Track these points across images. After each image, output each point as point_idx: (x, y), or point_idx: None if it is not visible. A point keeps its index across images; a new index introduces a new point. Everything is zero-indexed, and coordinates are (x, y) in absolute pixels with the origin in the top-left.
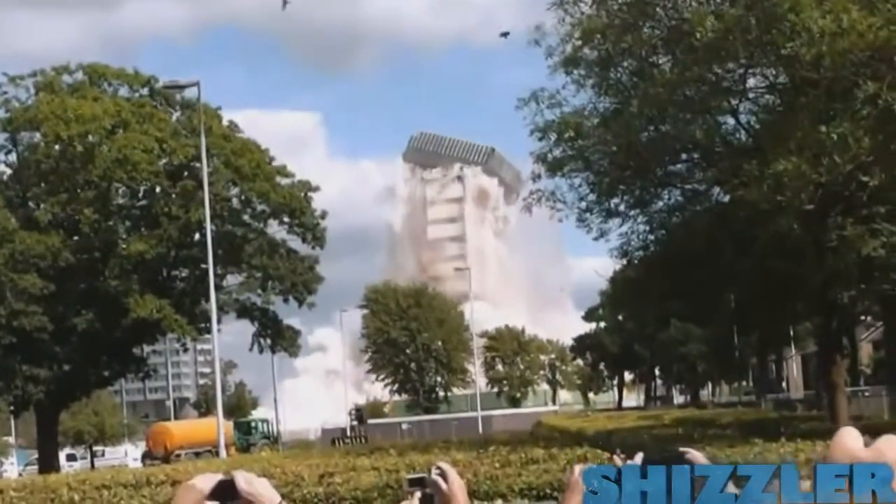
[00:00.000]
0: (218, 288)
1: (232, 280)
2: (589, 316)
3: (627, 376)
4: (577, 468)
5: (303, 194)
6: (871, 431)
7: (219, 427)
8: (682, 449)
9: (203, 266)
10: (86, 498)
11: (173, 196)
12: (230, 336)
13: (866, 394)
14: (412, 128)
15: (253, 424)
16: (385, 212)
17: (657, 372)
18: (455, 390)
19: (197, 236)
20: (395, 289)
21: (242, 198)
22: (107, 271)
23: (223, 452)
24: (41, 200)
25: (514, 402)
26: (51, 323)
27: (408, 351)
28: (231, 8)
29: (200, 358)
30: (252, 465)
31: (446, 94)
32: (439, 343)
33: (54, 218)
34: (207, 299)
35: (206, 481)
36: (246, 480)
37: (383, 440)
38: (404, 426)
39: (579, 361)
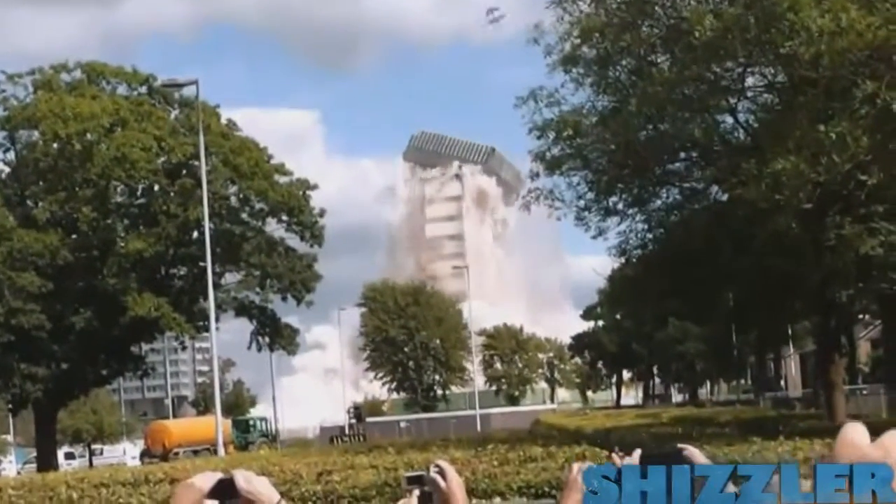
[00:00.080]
0: (216, 286)
1: (230, 278)
2: (587, 314)
3: (626, 375)
4: (576, 466)
5: (301, 192)
6: (870, 430)
7: (217, 425)
8: (679, 445)
9: (201, 264)
10: (84, 496)
11: (172, 194)
12: (228, 334)
13: (864, 392)
14: (411, 126)
15: (251, 423)
16: (385, 211)
17: (655, 370)
18: (453, 388)
19: (195, 234)
20: (393, 287)
21: (241, 196)
22: (105, 269)
23: (221, 451)
24: (39, 199)
25: (513, 401)
26: (49, 321)
27: (406, 349)
28: (230, 5)
29: (199, 356)
30: (250, 463)
31: (445, 93)
32: (438, 341)
33: (52, 216)
34: (206, 297)
35: (205, 480)
36: (245, 479)
37: (382, 438)
38: (403, 424)
39: (577, 360)
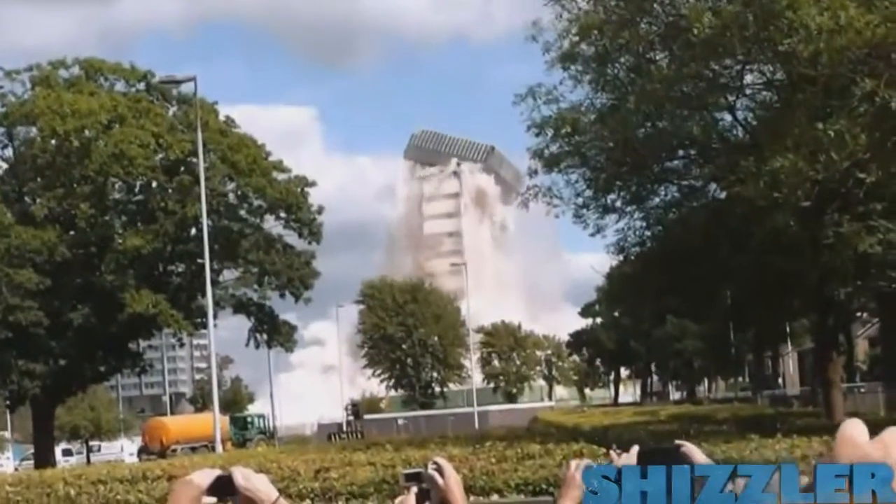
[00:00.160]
0: (214, 283)
1: (228, 275)
2: (585, 312)
3: (624, 372)
4: (573, 464)
5: (299, 189)
6: (868, 427)
7: (215, 422)
8: (677, 442)
9: (199, 261)
10: (82, 493)
11: (170, 191)
12: (226, 331)
13: (862, 390)
14: (410, 124)
15: (249, 420)
16: (384, 209)
17: (653, 368)
18: (451, 386)
19: (193, 231)
20: (391, 284)
21: (239, 193)
22: (103, 266)
23: (219, 447)
24: (37, 195)
25: (511, 398)
26: (47, 318)
27: (404, 346)
28: (228, 2)
29: (196, 353)
30: (248, 460)
31: (444, 90)
32: (435, 338)
33: (50, 213)
34: (203, 294)
35: (203, 477)
36: (243, 476)
37: (379, 435)
38: (400, 421)
39: (575, 357)
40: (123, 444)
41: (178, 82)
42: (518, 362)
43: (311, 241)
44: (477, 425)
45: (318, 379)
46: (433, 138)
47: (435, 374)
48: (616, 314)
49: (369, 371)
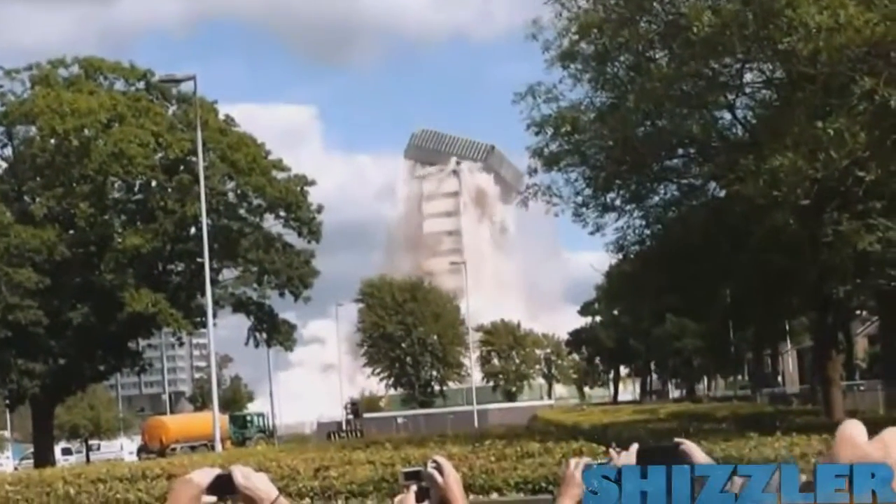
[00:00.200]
0: (214, 282)
1: (228, 274)
2: (584, 310)
3: (623, 371)
4: (573, 462)
5: (299, 188)
6: (867, 425)
7: (214, 421)
8: (676, 440)
9: (199, 260)
10: (81, 491)
11: (169, 190)
12: (226, 330)
13: (861, 388)
14: (409, 122)
15: (248, 418)
16: (384, 208)
17: (653, 366)
18: (451, 384)
19: (193, 230)
20: (390, 283)
21: (238, 192)
22: (102, 265)
23: (219, 446)
24: (36, 194)
25: (510, 397)
26: (46, 317)
27: (403, 345)
28: (227, 1)
29: (196, 352)
30: (247, 458)
31: (444, 89)
32: (435, 337)
33: (50, 212)
34: (203, 293)
35: (203, 476)
36: (243, 475)
37: (379, 434)
38: (400, 420)
39: (575, 356)
40: (123, 442)
41: (178, 81)
42: (517, 361)
43: (311, 240)
44: (476, 424)
45: (317, 377)
46: (433, 137)
47: (434, 373)
48: (615, 312)
49: (369, 370)
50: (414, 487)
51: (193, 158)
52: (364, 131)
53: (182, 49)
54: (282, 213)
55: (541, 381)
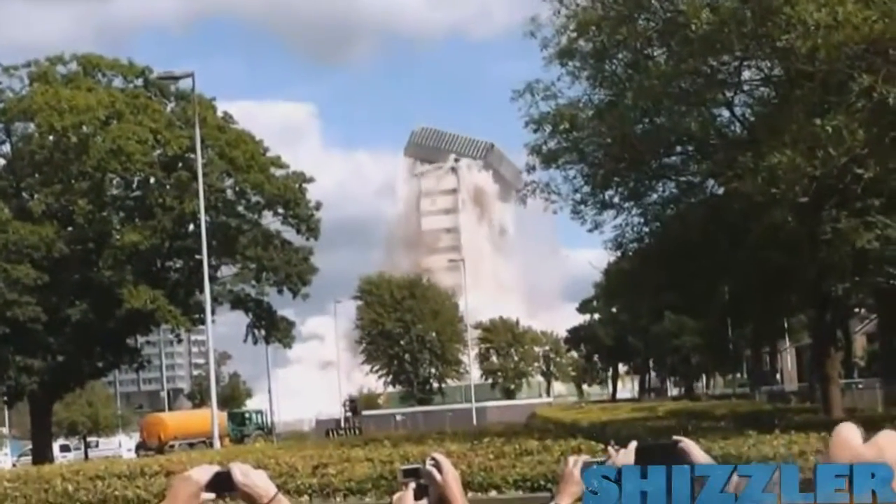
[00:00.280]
0: (212, 279)
1: (226, 271)
2: (583, 308)
3: (622, 368)
4: (571, 460)
5: (297, 185)
6: (866, 423)
7: (213, 418)
8: (675, 438)
9: (197, 257)
10: (80, 488)
11: (167, 187)
12: (224, 327)
13: (860, 386)
14: (408, 120)
15: (247, 416)
16: (384, 206)
17: (651, 364)
18: (449, 381)
19: (191, 227)
20: (389, 280)
21: (237, 189)
22: (101, 262)
23: (217, 443)
24: (35, 191)
25: (509, 394)
26: (44, 314)
27: (402, 342)
28: None
29: (194, 349)
30: (246, 456)
31: (443, 87)
32: (433, 334)
33: (48, 208)
34: (201, 290)
35: (202, 473)
36: (242, 472)
37: (377, 431)
38: (398, 417)
39: (573, 353)
40: (121, 439)
41: (176, 78)
42: (516, 358)
43: (309, 237)
44: (475, 421)
45: (315, 375)
46: (433, 135)
47: (433, 370)
48: (614, 310)
49: (367, 367)
50: (412, 485)
51: (192, 155)
52: (363, 129)
53: (180, 46)
54: (280, 210)
55: (539, 378)
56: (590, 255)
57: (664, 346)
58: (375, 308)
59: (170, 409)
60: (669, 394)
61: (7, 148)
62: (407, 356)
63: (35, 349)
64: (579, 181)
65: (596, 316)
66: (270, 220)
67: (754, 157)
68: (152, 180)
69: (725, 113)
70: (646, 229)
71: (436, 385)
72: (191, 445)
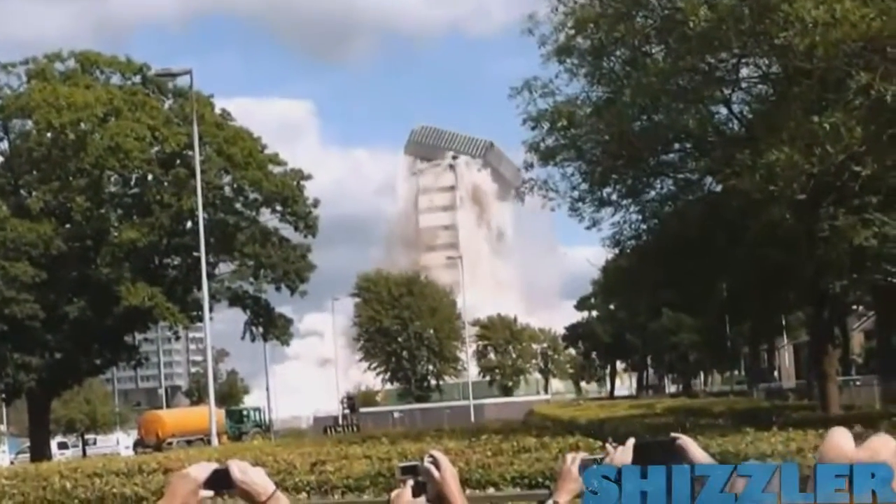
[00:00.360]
0: (210, 276)
1: (224, 268)
2: (581, 305)
3: (619, 365)
4: (569, 457)
5: (295, 183)
6: (863, 420)
7: (211, 415)
8: (673, 435)
9: (195, 254)
10: (77, 486)
11: (165, 184)
12: (222, 324)
13: (858, 383)
14: (407, 117)
15: (245, 413)
16: (384, 204)
17: (649, 361)
18: (447, 379)
19: (189, 224)
20: (387, 277)
21: (235, 186)
22: (98, 259)
23: (215, 441)
24: (33, 188)
25: (506, 391)
26: (42, 311)
27: (400, 339)
28: None
29: (192, 346)
30: (244, 453)
31: (441, 84)
32: (431, 331)
33: (46, 206)
34: (199, 287)
35: (200, 470)
36: (240, 470)
37: (375, 428)
38: (396, 415)
39: (571, 350)
40: (119, 437)
41: (174, 75)
42: (514, 355)
43: (307, 235)
44: (473, 418)
45: (313, 371)
46: (433, 134)
47: (431, 368)
48: (612, 307)
49: (365, 364)
50: (410, 482)
51: (190, 152)
52: (361, 126)
53: (179, 43)
54: (278, 208)
55: (537, 375)
56: (588, 253)
57: (662, 344)
58: (373, 305)
59: (168, 406)
60: (667, 391)
61: (5, 145)
62: (405, 353)
63: (33, 346)
64: (577, 178)
65: (594, 313)
66: (268, 218)
67: (752, 155)
68: (150, 177)
69: (723, 110)
70: (644, 227)
71: (433, 382)
72: (189, 443)
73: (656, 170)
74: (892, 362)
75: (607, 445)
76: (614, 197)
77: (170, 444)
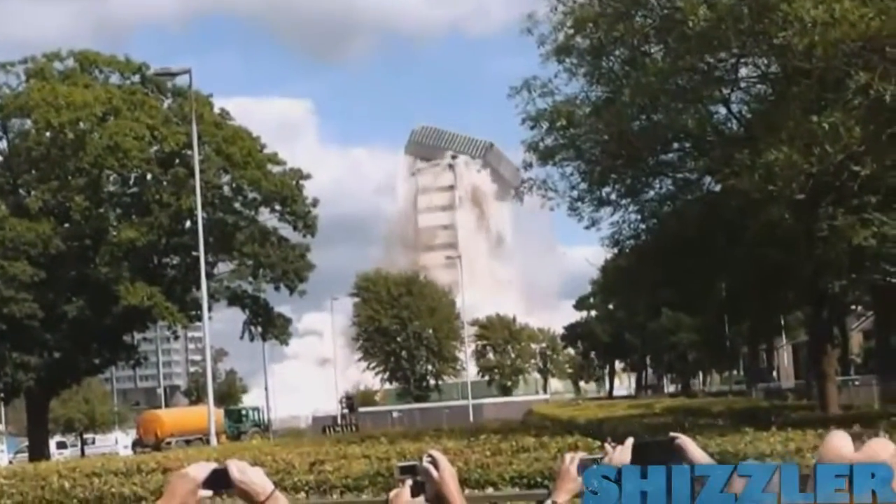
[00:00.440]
0: (209, 276)
1: (223, 268)
2: (580, 305)
3: (618, 365)
4: (568, 457)
5: (294, 182)
6: (862, 420)
7: (209, 415)
8: (672, 435)
9: (194, 254)
10: (76, 485)
11: (164, 183)
12: (221, 324)
13: (856, 383)
14: (406, 117)
15: (243, 412)
16: (383, 203)
17: (648, 361)
18: (446, 378)
19: (188, 224)
20: (386, 277)
21: (234, 185)
22: (97, 258)
23: (214, 440)
24: (32, 187)
25: (505, 391)
26: (41, 310)
27: (399, 339)
28: None
29: (191, 346)
30: (243, 453)
31: (441, 84)
32: (430, 331)
33: (45, 205)
34: (198, 287)
35: (199, 470)
36: (239, 469)
37: (374, 428)
38: (395, 414)
39: (570, 350)
40: (118, 436)
41: (173, 75)
42: (513, 355)
43: (306, 234)
44: (472, 418)
45: (312, 371)
46: (433, 134)
47: (430, 367)
48: (611, 307)
49: (364, 364)
50: (409, 482)
51: (189, 152)
52: (360, 125)
53: (178, 43)
54: (277, 207)
55: (536, 375)
56: (587, 252)
57: (661, 343)
58: (372, 305)
59: (166, 405)
60: (666, 391)
61: (4, 144)
62: (404, 353)
63: (31, 346)
64: (576, 178)
65: (593, 313)
66: (267, 217)
67: (751, 154)
68: (149, 177)
69: (722, 110)
70: (643, 226)
71: (432, 382)
72: (187, 442)
73: (655, 169)
74: (891, 362)
75: (606, 445)
76: (613, 196)
77: (168, 443)
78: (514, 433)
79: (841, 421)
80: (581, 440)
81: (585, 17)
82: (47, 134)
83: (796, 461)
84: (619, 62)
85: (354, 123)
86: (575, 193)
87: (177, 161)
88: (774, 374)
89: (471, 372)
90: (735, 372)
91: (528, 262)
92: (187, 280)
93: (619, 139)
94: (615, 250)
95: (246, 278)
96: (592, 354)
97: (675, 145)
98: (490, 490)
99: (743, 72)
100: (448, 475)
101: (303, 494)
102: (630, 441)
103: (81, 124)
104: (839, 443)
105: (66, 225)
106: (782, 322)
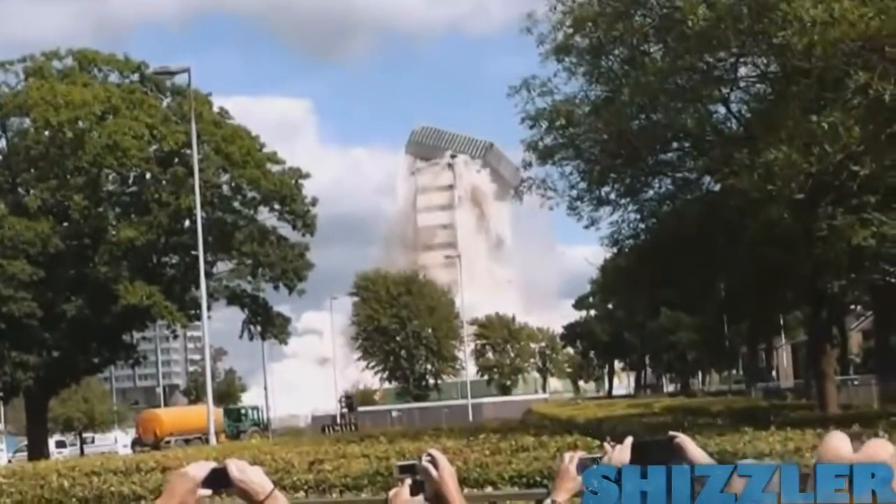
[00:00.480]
0: (208, 275)
1: (222, 267)
2: (579, 304)
3: (617, 365)
4: (567, 456)
5: (293, 181)
6: (861, 420)
7: (209, 414)
8: (671, 434)
9: (193, 253)
10: (75, 484)
11: (163, 182)
12: (220, 323)
13: (856, 383)
14: (406, 116)
15: (243, 412)
16: (383, 203)
17: (647, 360)
18: (445, 378)
19: (187, 223)
20: (385, 276)
21: (233, 184)
22: (96, 258)
23: (213, 439)
24: (31, 186)
25: (505, 390)
26: (40, 309)
27: (398, 338)
28: None
29: (190, 345)
30: (242, 452)
31: (440, 83)
32: (430, 330)
33: (44, 204)
34: (197, 286)
35: (198, 469)
36: (238, 468)
37: (373, 427)
38: (394, 413)
39: (569, 350)
40: (117, 435)
41: (172, 73)
42: (512, 354)
43: (305, 233)
44: (471, 417)
45: (311, 370)
46: (433, 134)
47: (429, 366)
48: (610, 306)
49: (363, 363)
50: (408, 481)
51: (188, 151)
52: (359, 125)
53: (177, 42)
54: (276, 206)
55: (535, 375)
56: (586, 252)
57: (660, 343)
58: (371, 304)
59: (165, 405)
60: (665, 390)
61: (3, 143)
62: (403, 352)
63: (31, 345)
64: (575, 177)
65: (592, 312)
66: (266, 216)
67: (750, 154)
68: (148, 176)
69: (722, 109)
70: (642, 226)
71: (432, 381)
72: (187, 441)
73: (655, 169)
74: (890, 362)
75: (605, 444)
76: (613, 196)
77: (168, 442)
78: (514, 432)
79: (840, 421)
80: (580, 439)
81: (585, 17)
82: (46, 133)
83: (795, 461)
84: (618, 61)
85: (354, 123)
86: (574, 193)
87: (176, 160)
88: (773, 373)
89: (470, 371)
90: (734, 371)
91: (527, 262)
92: (186, 279)
93: (619, 138)
94: (614, 250)
95: (245, 277)
96: (591, 354)
97: (675, 145)
98: (489, 489)
99: (742, 71)
100: (447, 474)
101: (302, 493)
102: (629, 440)
103: (80, 123)
104: (838, 443)
105: (65, 224)
106: (781, 322)
